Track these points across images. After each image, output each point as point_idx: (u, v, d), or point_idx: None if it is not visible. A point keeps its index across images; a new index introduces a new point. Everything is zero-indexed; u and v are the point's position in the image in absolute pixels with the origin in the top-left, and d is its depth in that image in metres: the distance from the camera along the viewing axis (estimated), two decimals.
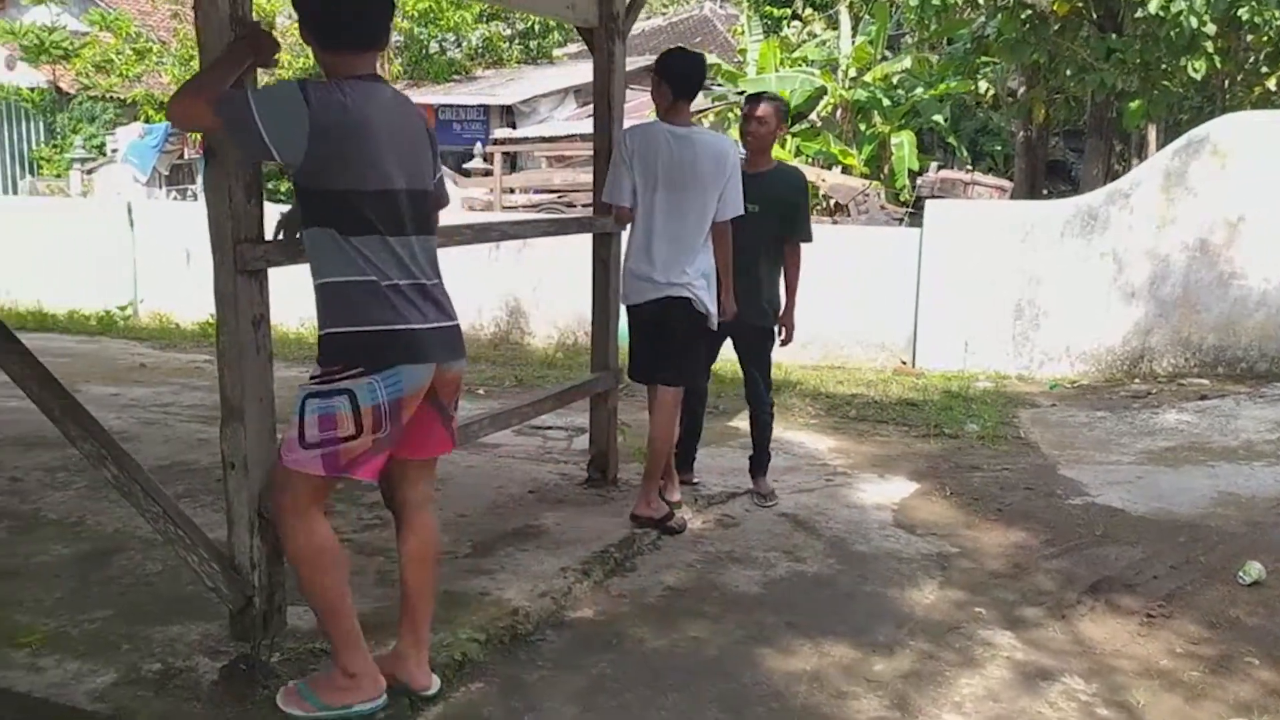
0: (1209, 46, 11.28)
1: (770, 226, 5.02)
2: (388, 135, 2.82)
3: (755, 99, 5.16)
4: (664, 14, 28.14)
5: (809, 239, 5.23)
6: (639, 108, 13.06)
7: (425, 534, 3.12)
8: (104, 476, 3.18)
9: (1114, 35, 12.74)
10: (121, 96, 20.01)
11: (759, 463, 5.40)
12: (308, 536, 2.87)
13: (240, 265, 3.00)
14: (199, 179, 19.01)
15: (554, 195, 13.57)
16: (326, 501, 2.98)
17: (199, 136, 16.09)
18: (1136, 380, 8.35)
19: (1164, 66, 12.31)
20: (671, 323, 4.53)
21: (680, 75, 4.55)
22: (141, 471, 3.19)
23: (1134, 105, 12.59)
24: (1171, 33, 11.14)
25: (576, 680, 3.38)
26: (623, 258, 4.80)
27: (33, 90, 19.26)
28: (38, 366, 3.17)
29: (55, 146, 20.28)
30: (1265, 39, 11.46)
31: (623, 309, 4.91)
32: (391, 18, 2.95)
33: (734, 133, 15.41)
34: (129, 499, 3.19)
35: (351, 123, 2.73)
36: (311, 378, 2.84)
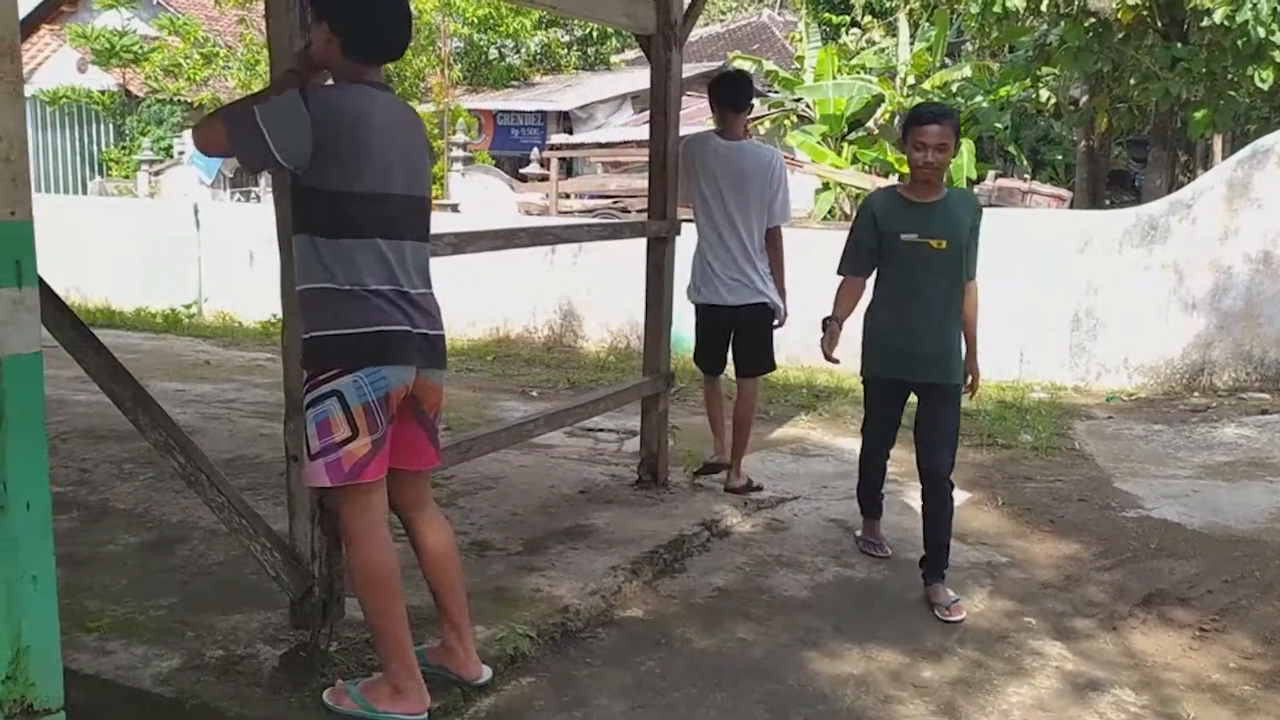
0: (1277, 56, 11.08)
1: (958, 263, 4.30)
2: (385, 138, 2.87)
3: (925, 118, 4.08)
4: (722, 20, 28.19)
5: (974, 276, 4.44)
6: (695, 114, 13.11)
7: (434, 534, 3.17)
8: (171, 466, 3.29)
9: (1179, 44, 12.55)
10: (189, 100, 20.48)
11: (935, 565, 4.19)
12: (366, 555, 2.93)
13: None
14: (261, 181, 19.39)
15: (609, 200, 13.66)
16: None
17: None
18: (1195, 394, 8.21)
19: (1230, 76, 12.10)
20: (748, 323, 5.23)
21: (727, 94, 5.18)
22: (207, 462, 3.30)
23: (1199, 115, 12.39)
24: (1238, 42, 10.96)
25: (625, 677, 3.44)
26: (693, 258, 5.24)
27: (103, 93, 19.78)
28: (111, 361, 3.29)
29: (124, 148, 20.80)
30: None
31: (689, 306, 5.33)
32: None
33: (792, 139, 15.45)
34: (195, 488, 3.29)
35: (349, 123, 2.80)
36: (303, 384, 2.91)
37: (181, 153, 19.73)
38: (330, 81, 2.98)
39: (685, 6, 5.09)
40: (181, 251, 11.46)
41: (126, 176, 19.63)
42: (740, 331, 5.24)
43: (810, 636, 3.79)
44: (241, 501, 3.28)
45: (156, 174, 19.31)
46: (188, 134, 20.08)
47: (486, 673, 3.25)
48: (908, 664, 3.62)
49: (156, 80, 20.22)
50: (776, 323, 5.39)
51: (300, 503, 3.20)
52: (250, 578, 3.96)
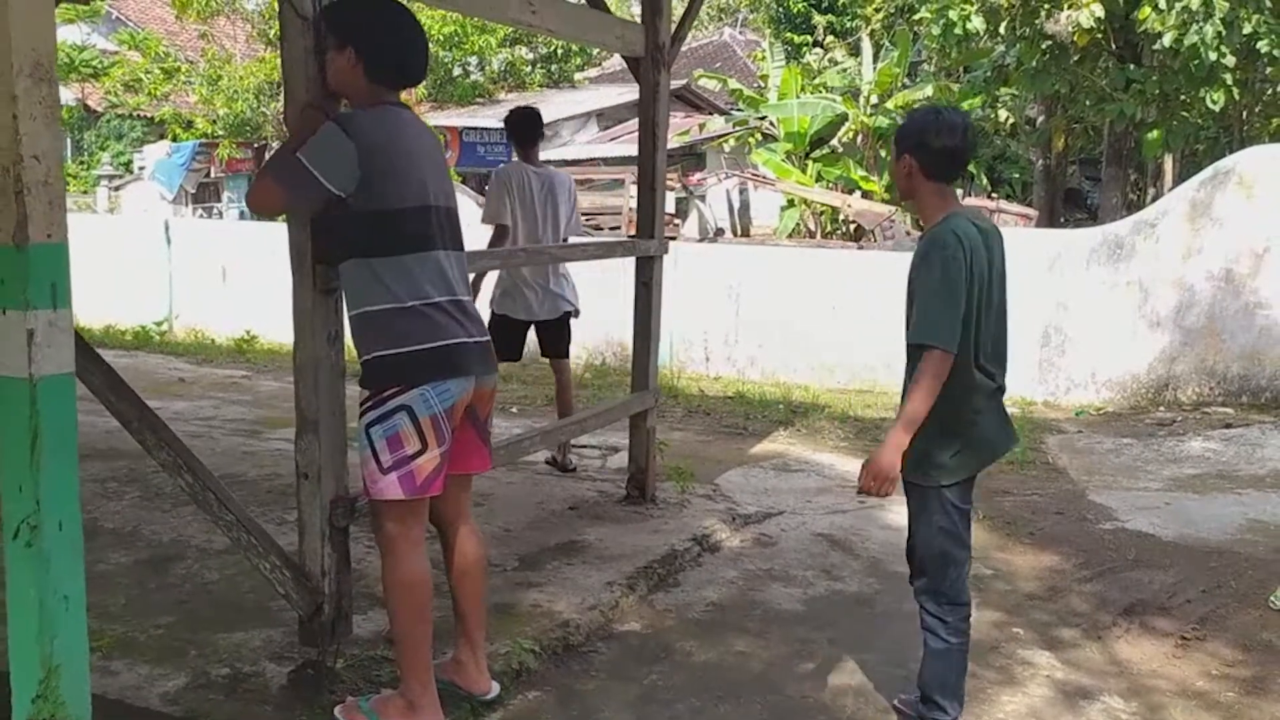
0: (1228, 78, 11.41)
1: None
2: (418, 154, 2.96)
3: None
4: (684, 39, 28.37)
5: (924, 340, 3.02)
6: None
7: (470, 546, 3.22)
8: (180, 485, 3.29)
9: (1133, 66, 12.88)
10: (149, 115, 20.32)
11: None
12: (407, 571, 2.96)
13: (318, 284, 3.12)
14: (224, 197, 19.26)
15: (581, 218, 13.71)
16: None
17: (225, 156, 16.21)
18: (1161, 408, 8.41)
19: (1183, 97, 12.44)
20: (555, 325, 5.99)
21: (526, 128, 5.99)
22: (215, 480, 3.30)
23: (1152, 135, 12.72)
24: (1191, 64, 11.27)
25: (629, 690, 3.48)
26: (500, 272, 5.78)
27: (61, 108, 19.53)
28: (116, 379, 3.29)
29: (82, 163, 20.58)
30: None
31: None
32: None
33: (757, 157, 15.63)
34: (203, 507, 3.29)
35: (390, 144, 2.89)
36: (362, 403, 2.95)
37: (142, 168, 19.56)
38: (344, 107, 3.04)
39: (673, 30, 5.18)
40: (151, 268, 11.36)
41: (85, 191, 19.42)
42: (547, 330, 6.01)
43: (807, 649, 3.86)
44: (250, 520, 3.29)
45: (116, 189, 19.13)
46: (148, 149, 19.94)
47: (495, 688, 3.28)
48: (904, 675, 3.69)
49: (116, 95, 20.06)
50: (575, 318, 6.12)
51: (311, 521, 3.22)
52: (248, 596, 3.97)
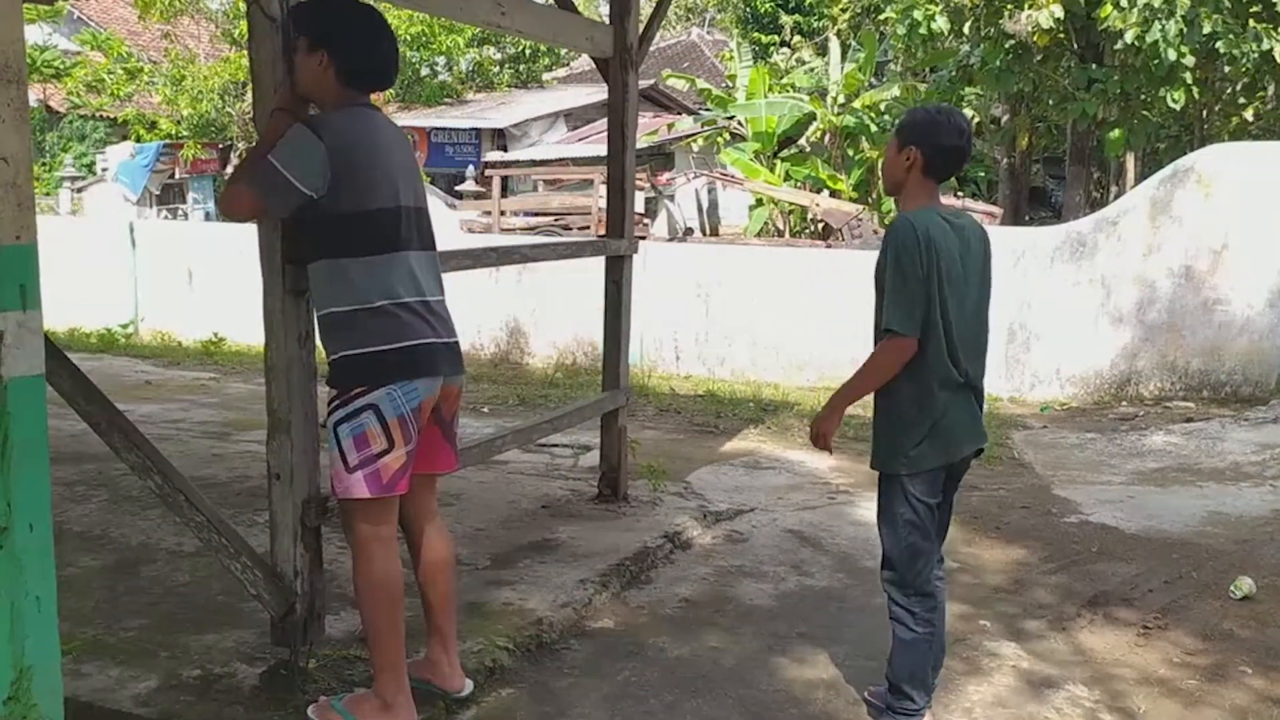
0: (1187, 78, 11.59)
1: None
2: (388, 155, 2.97)
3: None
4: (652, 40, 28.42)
5: (882, 324, 3.14)
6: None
7: (438, 545, 3.24)
8: (149, 486, 3.28)
9: (1095, 65, 13.05)
10: (112, 116, 20.10)
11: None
12: (378, 570, 2.97)
13: (288, 285, 3.12)
14: (189, 198, 19.10)
15: (550, 218, 13.71)
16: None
17: (190, 157, 16.04)
18: (1124, 403, 8.54)
19: (1143, 96, 12.61)
20: None
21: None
22: (185, 481, 3.29)
23: (1114, 134, 12.88)
24: (1151, 64, 11.43)
25: (603, 686, 3.51)
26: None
27: (29, 109, 19.29)
28: (85, 382, 3.28)
29: (44, 165, 20.31)
30: (1242, 70, 11.77)
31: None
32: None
33: (725, 156, 15.69)
34: (173, 509, 3.29)
35: (359, 144, 2.90)
36: (330, 402, 2.96)
37: (105, 169, 19.36)
38: (313, 110, 3.04)
39: (640, 31, 5.21)
40: (116, 270, 11.26)
41: (47, 194, 19.17)
42: None
43: (779, 644, 3.90)
44: (221, 521, 3.29)
45: (79, 191, 18.91)
46: (111, 150, 19.72)
47: (469, 685, 3.30)
48: (874, 668, 3.73)
49: (79, 96, 19.81)
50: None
51: (283, 521, 3.22)
52: (219, 598, 3.97)
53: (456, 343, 3.12)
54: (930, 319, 3.05)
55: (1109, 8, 11.34)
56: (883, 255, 3.12)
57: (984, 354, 3.30)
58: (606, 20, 5.21)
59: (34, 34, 20.19)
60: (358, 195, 2.87)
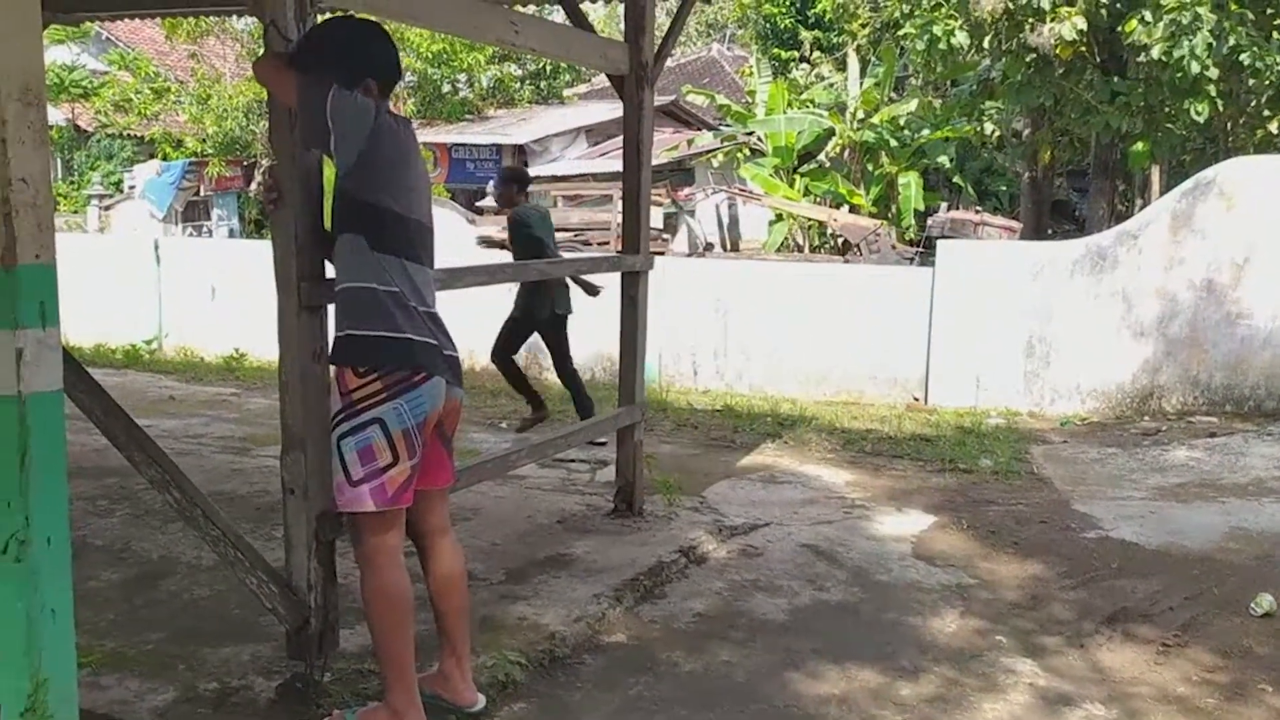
0: (1212, 90, 11.53)
1: None
2: (414, 168, 3.08)
3: None
4: (672, 55, 28.51)
5: None
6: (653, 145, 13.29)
7: (451, 558, 3.26)
8: (167, 501, 3.32)
9: (1118, 78, 13.00)
10: (139, 134, 20.34)
11: None
12: (386, 582, 3.00)
13: (303, 302, 3.16)
14: (213, 215, 19.30)
15: (570, 234, 13.76)
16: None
17: (215, 175, 16.21)
18: (1146, 417, 8.48)
19: (1167, 109, 12.55)
20: None
21: None
22: (202, 496, 3.34)
23: (1138, 147, 12.82)
24: (1175, 76, 11.38)
25: (615, 700, 3.52)
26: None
27: (51, 128, 19.54)
28: (105, 397, 3.33)
29: (72, 183, 20.58)
30: (1267, 83, 11.69)
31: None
32: None
33: (745, 171, 15.72)
34: (190, 523, 3.33)
35: (399, 147, 2.99)
36: (334, 415, 2.99)
37: (132, 187, 19.58)
38: None
39: (656, 48, 5.24)
40: (141, 286, 11.38)
41: (75, 211, 19.42)
42: None
43: (792, 658, 3.90)
44: (237, 535, 3.32)
45: (107, 209, 19.14)
46: (138, 168, 19.95)
47: (481, 700, 3.31)
48: (886, 683, 3.73)
49: (106, 115, 20.08)
50: None
51: (298, 535, 3.25)
52: (236, 611, 4.00)
53: (457, 357, 3.16)
54: None
55: (1134, 22, 11.31)
56: None
57: None
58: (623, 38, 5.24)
59: (62, 54, 20.52)
60: (382, 190, 2.95)
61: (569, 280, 6.96)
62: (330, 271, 3.20)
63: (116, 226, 18.33)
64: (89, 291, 11.53)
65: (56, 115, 20.13)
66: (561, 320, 7.26)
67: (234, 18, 18.92)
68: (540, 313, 7.15)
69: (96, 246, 13.23)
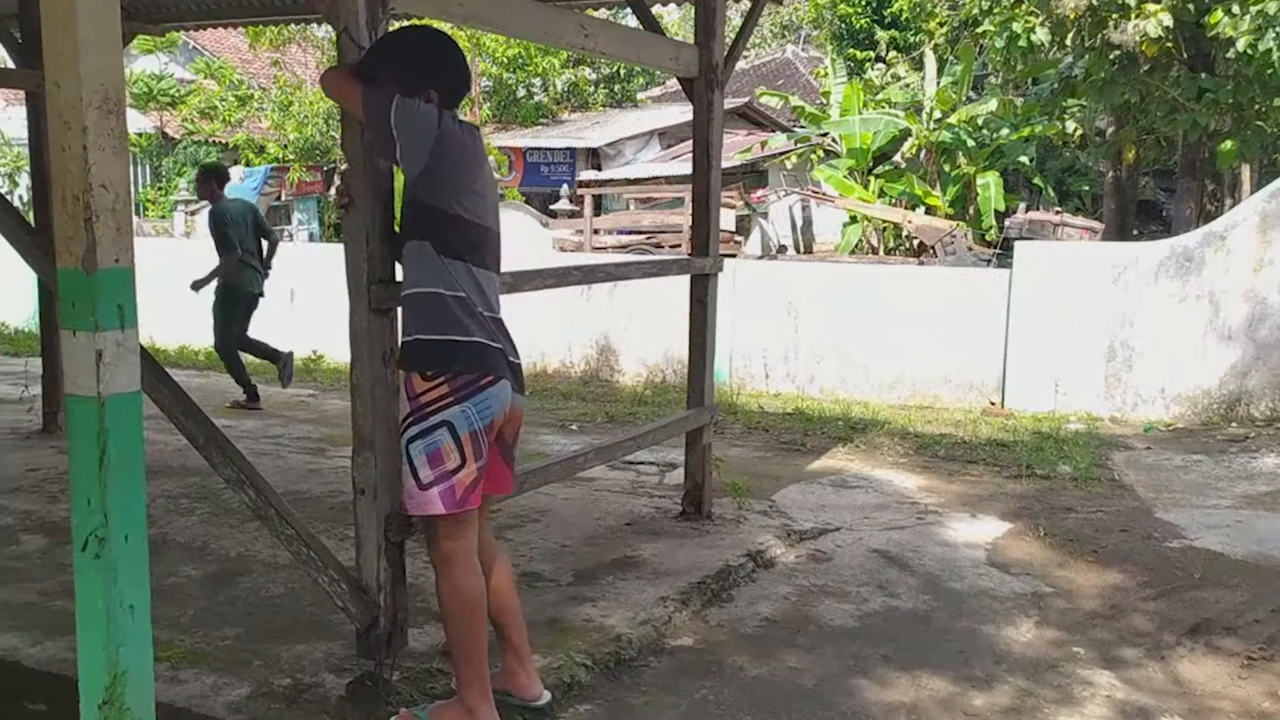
0: None
1: None
2: (480, 174, 3.11)
3: None
4: (746, 57, 28.43)
5: None
6: (725, 149, 13.26)
7: (499, 564, 3.31)
8: (242, 500, 3.40)
9: (1205, 75, 12.63)
10: (223, 141, 20.87)
11: None
12: (461, 584, 3.04)
13: (374, 304, 3.21)
14: (294, 219, 19.71)
15: (642, 236, 13.79)
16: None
17: (296, 180, 16.54)
18: (1233, 423, 8.22)
19: (1257, 106, 12.16)
20: None
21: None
22: (277, 496, 3.41)
23: (1227, 145, 12.44)
24: (1264, 72, 11.02)
25: (679, 704, 3.51)
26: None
27: (140, 135, 20.18)
28: (184, 398, 3.41)
29: (160, 189, 21.19)
30: None
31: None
32: None
33: (819, 173, 15.59)
34: (265, 522, 3.40)
35: (464, 153, 3.03)
36: (403, 419, 3.03)
37: None
38: None
39: (726, 50, 5.23)
40: None
41: (163, 216, 19.99)
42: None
43: (860, 665, 3.85)
44: (310, 535, 3.39)
45: (192, 214, 19.65)
46: None
47: (546, 695, 3.34)
48: (957, 692, 3.67)
49: (192, 122, 20.65)
50: None
51: (368, 536, 3.30)
52: (310, 609, 4.08)
53: (520, 364, 3.19)
54: None
55: (1219, 14, 10.97)
56: None
57: None
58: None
59: (150, 64, 21.15)
60: (447, 196, 2.99)
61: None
62: (400, 276, 3.25)
63: (201, 231, 18.81)
64: (175, 294, 11.86)
65: (145, 123, 20.74)
66: (256, 300, 8.29)
67: (315, 26, 19.34)
68: (253, 287, 8.23)
69: (183, 250, 13.57)
